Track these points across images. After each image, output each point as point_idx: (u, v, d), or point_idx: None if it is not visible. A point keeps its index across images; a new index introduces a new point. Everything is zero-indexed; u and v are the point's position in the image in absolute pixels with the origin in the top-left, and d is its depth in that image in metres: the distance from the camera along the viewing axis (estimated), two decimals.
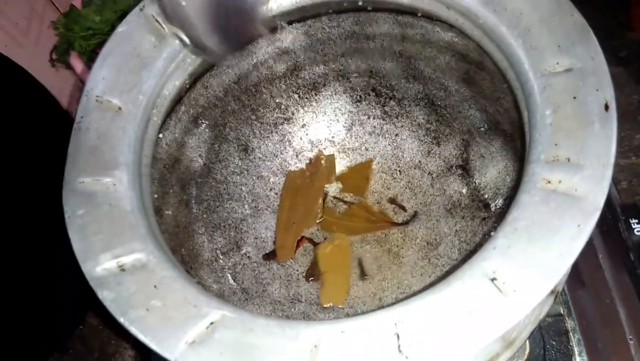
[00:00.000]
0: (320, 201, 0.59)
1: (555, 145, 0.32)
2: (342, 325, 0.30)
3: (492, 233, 0.32)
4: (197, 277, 0.50)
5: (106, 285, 0.33)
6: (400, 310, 0.29)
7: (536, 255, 0.29)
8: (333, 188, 0.61)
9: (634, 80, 0.79)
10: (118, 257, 0.34)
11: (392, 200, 0.57)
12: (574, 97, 0.33)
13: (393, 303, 0.30)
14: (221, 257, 0.54)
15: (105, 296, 0.33)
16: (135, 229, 0.36)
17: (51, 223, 0.41)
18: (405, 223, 0.56)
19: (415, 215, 0.56)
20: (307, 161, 0.61)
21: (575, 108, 0.33)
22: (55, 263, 0.57)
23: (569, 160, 0.32)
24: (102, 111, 0.41)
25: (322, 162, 0.61)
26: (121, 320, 0.32)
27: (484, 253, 0.30)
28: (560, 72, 0.35)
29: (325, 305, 0.53)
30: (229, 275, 0.54)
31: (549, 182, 0.31)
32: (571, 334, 0.52)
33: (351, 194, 0.60)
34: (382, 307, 0.30)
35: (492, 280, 0.29)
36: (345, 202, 0.60)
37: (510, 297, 0.28)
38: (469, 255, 0.51)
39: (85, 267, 0.34)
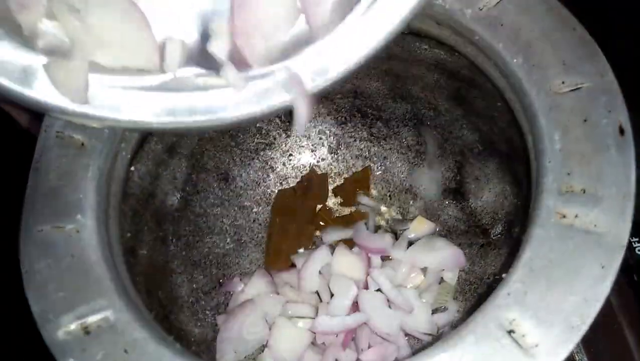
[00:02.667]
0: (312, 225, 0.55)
1: (568, 174, 0.29)
2: None
3: (503, 275, 0.28)
4: (177, 321, 0.46)
5: (69, 353, 0.29)
6: None
7: (558, 302, 0.26)
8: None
9: None
10: (82, 318, 0.30)
11: None
12: (584, 120, 0.31)
13: None
14: (202, 297, 0.50)
15: None
16: (102, 283, 0.32)
17: None
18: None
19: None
20: (298, 180, 0.57)
21: (586, 131, 0.30)
22: None
23: (584, 192, 0.28)
24: (63, 148, 0.37)
25: (315, 181, 0.57)
26: None
27: (497, 300, 0.27)
28: (567, 91, 0.32)
29: None
30: (211, 317, 0.49)
31: (564, 217, 0.28)
32: None
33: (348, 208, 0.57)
34: None
35: (510, 332, 0.26)
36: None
37: (531, 353, 0.25)
38: (471, 292, 0.48)
39: (45, 331, 0.30)
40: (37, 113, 0.33)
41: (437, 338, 0.44)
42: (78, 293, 0.31)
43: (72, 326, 0.30)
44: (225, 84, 0.27)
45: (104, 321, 0.30)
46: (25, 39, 0.24)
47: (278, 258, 0.54)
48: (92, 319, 0.30)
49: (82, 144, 0.37)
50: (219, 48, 0.27)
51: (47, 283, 0.31)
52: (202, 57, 0.28)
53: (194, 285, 0.50)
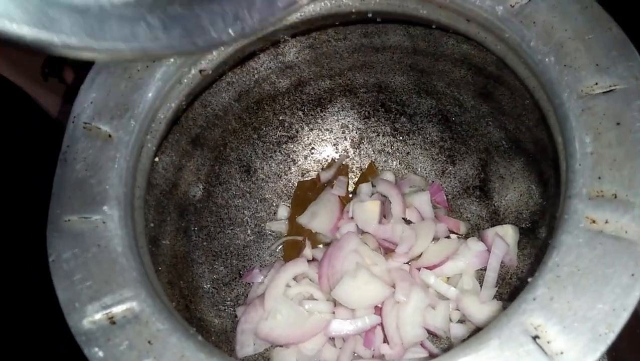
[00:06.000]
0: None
1: (599, 178, 0.29)
2: None
3: (529, 279, 0.28)
4: (198, 311, 0.47)
5: (94, 341, 0.29)
6: None
7: (585, 310, 0.25)
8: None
9: None
10: (108, 308, 0.31)
11: None
12: (617, 123, 0.30)
13: None
14: (223, 288, 0.51)
15: (93, 354, 0.29)
16: (127, 273, 0.32)
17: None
18: None
19: None
20: (318, 171, 0.57)
21: (619, 135, 0.29)
22: None
23: (615, 197, 0.28)
24: (91, 139, 0.37)
25: (335, 171, 0.57)
26: None
27: (523, 305, 0.27)
28: (600, 93, 0.31)
29: None
30: (231, 308, 0.50)
31: (594, 222, 0.28)
32: None
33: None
34: None
35: (535, 338, 0.25)
36: None
37: (556, 360, 0.24)
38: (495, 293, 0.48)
39: (71, 320, 0.30)
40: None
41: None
42: (104, 283, 0.31)
43: (98, 316, 0.30)
44: None
45: (129, 311, 0.30)
46: None
47: (297, 250, 0.54)
48: (118, 309, 0.31)
49: (109, 136, 0.37)
50: None
51: (74, 272, 0.32)
52: None
53: (215, 276, 0.51)
